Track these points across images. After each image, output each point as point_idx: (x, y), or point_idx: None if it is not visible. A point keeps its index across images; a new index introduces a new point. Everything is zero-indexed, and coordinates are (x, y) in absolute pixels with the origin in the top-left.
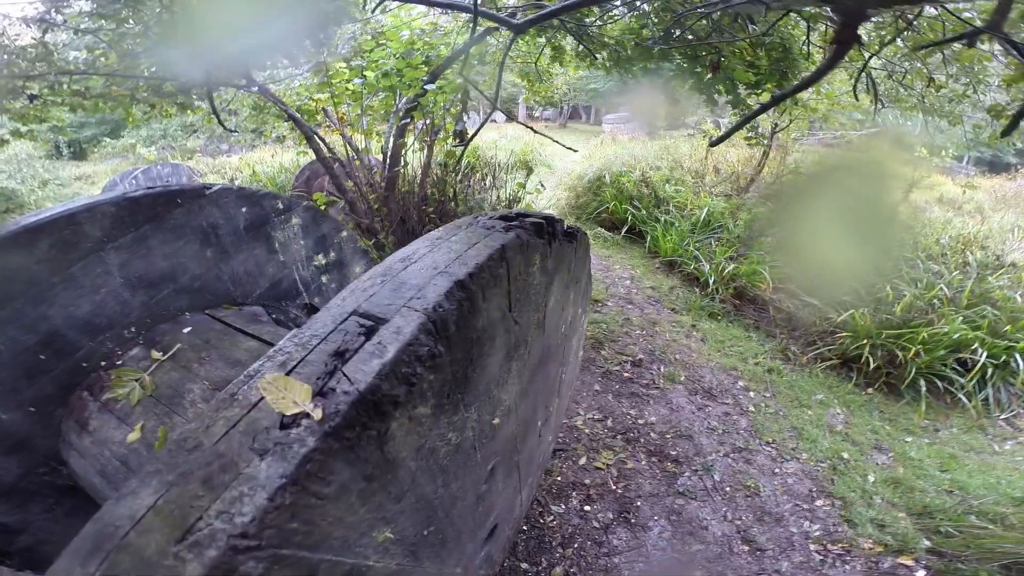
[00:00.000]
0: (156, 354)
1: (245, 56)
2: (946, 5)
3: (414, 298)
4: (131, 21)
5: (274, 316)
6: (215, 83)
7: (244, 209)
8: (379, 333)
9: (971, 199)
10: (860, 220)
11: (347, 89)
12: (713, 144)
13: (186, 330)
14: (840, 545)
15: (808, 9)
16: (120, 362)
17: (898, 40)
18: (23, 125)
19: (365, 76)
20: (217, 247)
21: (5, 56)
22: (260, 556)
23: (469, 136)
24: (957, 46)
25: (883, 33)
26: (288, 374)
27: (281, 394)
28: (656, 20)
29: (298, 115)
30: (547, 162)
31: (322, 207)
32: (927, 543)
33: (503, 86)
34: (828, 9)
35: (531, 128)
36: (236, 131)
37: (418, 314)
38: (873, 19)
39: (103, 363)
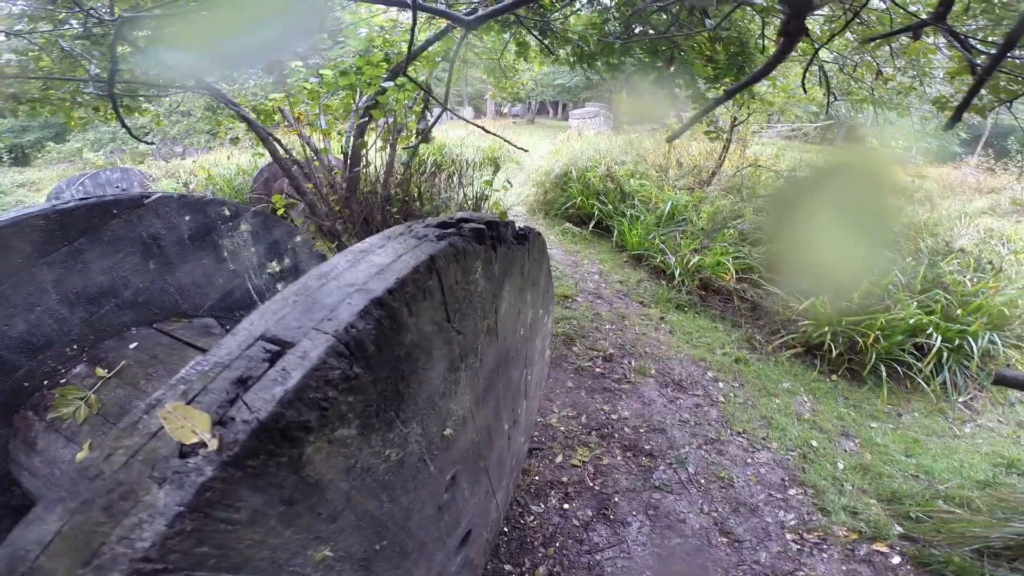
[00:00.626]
0: (101, 371)
1: (198, 60)
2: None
3: (325, 319)
4: (72, 22)
5: (227, 327)
6: (164, 84)
7: (187, 217)
8: (284, 358)
9: (920, 188)
10: (860, 225)
11: (304, 88)
12: (670, 139)
13: (132, 346)
14: (816, 534)
15: (760, 2)
16: (64, 380)
17: (847, 33)
18: None
19: (322, 75)
20: (160, 258)
21: None
22: None
23: (422, 134)
24: (904, 39)
25: (833, 26)
26: (189, 403)
27: (180, 423)
28: (617, 15)
29: (252, 116)
30: (515, 159)
31: (281, 210)
32: (899, 529)
33: (470, 83)
34: (778, 3)
35: (482, 128)
36: (153, 143)
37: (327, 336)
38: (822, 11)
39: (46, 382)
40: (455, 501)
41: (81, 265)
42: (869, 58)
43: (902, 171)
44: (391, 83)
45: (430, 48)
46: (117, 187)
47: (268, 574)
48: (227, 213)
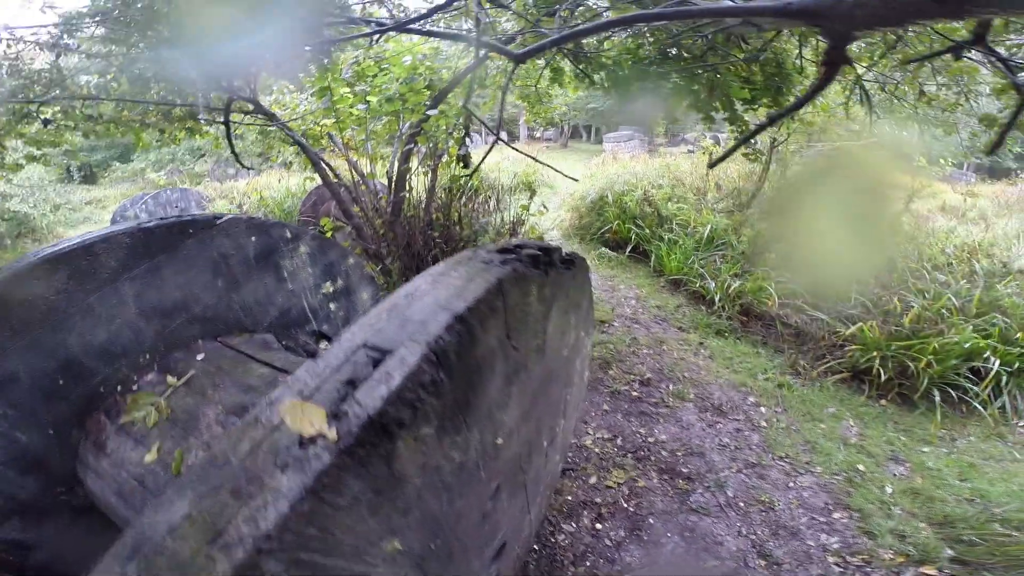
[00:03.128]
0: (171, 380)
1: (247, 75)
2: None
3: (417, 331)
4: (141, 45)
5: (284, 343)
6: (222, 108)
7: (254, 239)
8: (385, 363)
9: (974, 206)
10: (856, 228)
11: (351, 114)
12: (712, 165)
13: (199, 357)
14: (860, 557)
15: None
16: (136, 387)
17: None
18: (37, 149)
19: (369, 101)
20: (228, 276)
21: (20, 80)
22: (281, 558)
23: (476, 161)
24: (946, 58)
25: (873, 48)
26: (306, 400)
27: (299, 417)
28: (652, 40)
29: (304, 140)
30: (550, 183)
31: (329, 232)
32: (950, 552)
33: (504, 108)
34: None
35: (527, 155)
36: (248, 165)
37: (420, 346)
38: (862, 38)
39: (119, 388)
40: (496, 512)
41: (159, 280)
42: (910, 75)
43: (905, 175)
44: (434, 110)
45: (467, 76)
46: (177, 207)
47: (351, 559)
48: (288, 235)
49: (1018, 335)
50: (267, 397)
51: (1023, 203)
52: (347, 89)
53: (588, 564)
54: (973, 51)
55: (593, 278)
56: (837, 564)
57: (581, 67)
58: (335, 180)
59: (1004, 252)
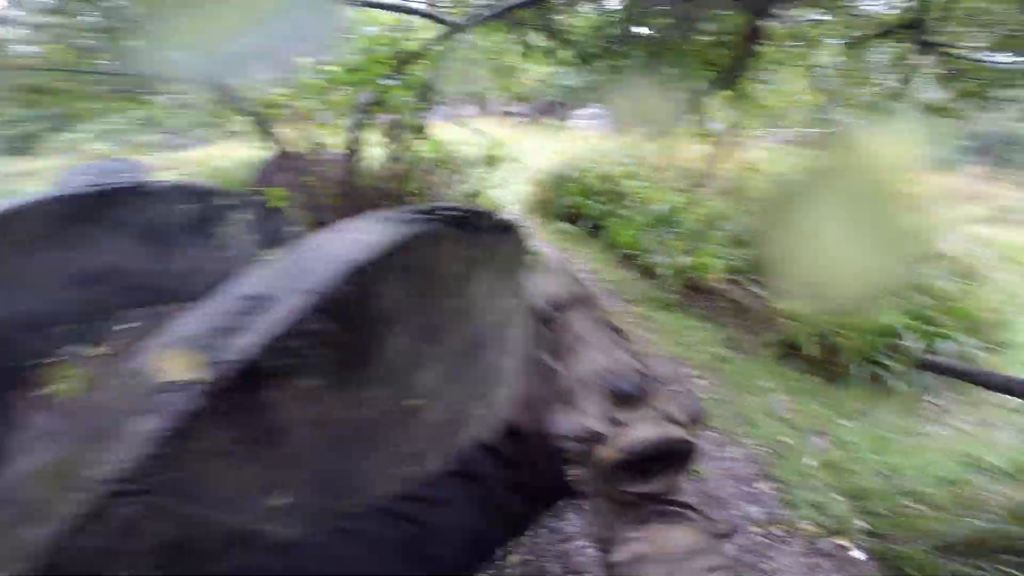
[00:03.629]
0: (96, 350)
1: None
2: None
3: (305, 281)
4: (85, 14)
5: None
6: (174, 78)
7: (188, 205)
8: (267, 312)
9: (913, 193)
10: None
11: (308, 84)
12: (654, 140)
13: (127, 326)
14: (781, 527)
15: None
16: (62, 358)
17: (832, 39)
18: None
19: (329, 71)
20: (160, 244)
21: None
22: (137, 502)
23: (432, 132)
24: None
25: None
26: (177, 347)
27: (169, 363)
28: (620, 17)
29: (259, 110)
30: (516, 157)
31: (281, 202)
32: (862, 524)
33: (474, 82)
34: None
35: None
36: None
37: (306, 294)
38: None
39: (45, 359)
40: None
41: (86, 248)
42: (854, 59)
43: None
44: (393, 81)
45: (432, 48)
46: (120, 177)
47: (225, 510)
48: (227, 202)
49: (938, 315)
50: (142, 343)
51: (961, 193)
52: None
53: (531, 533)
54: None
55: (551, 250)
56: (760, 533)
57: (551, 43)
58: (288, 150)
59: (935, 237)
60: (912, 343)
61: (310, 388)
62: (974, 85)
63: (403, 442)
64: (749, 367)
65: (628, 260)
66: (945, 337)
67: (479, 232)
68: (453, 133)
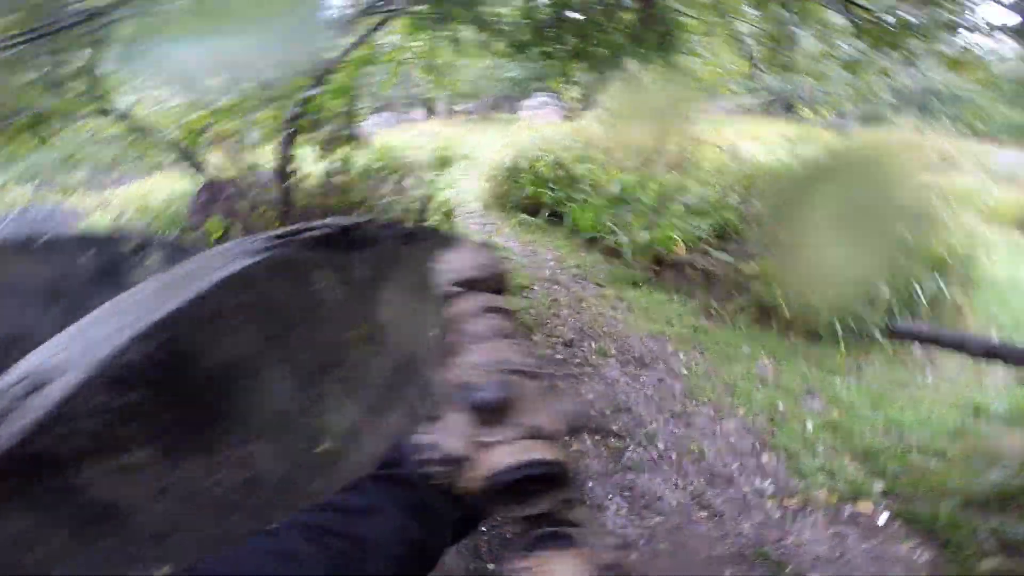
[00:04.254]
0: None
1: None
2: None
3: (93, 352)
4: None
5: None
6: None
7: (92, 252)
8: (43, 391)
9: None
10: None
11: (222, 105)
12: (568, 118)
13: None
14: (796, 499)
15: None
16: None
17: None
18: None
19: (243, 89)
20: (65, 299)
21: None
22: None
23: (349, 139)
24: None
25: None
26: None
27: None
28: (548, 3)
29: (176, 138)
30: (468, 155)
31: (218, 233)
32: (879, 486)
33: (415, 83)
34: None
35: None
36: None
37: (90, 367)
38: None
39: None
40: None
41: None
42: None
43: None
44: (317, 90)
45: (351, 55)
46: (45, 224)
47: None
48: (132, 245)
49: (902, 262)
50: None
51: (900, 146)
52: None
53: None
54: None
55: (514, 245)
56: (776, 508)
57: (481, 34)
58: (215, 177)
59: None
60: (886, 294)
61: (134, 462)
62: (887, 35)
63: (323, 488)
64: (727, 335)
65: (592, 243)
66: (916, 280)
67: (369, 247)
68: (400, 138)
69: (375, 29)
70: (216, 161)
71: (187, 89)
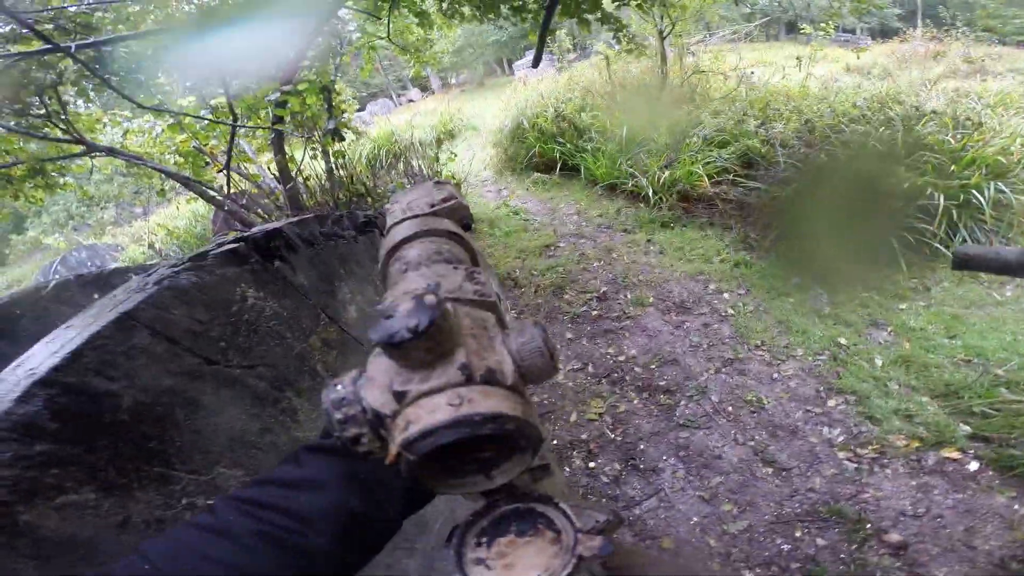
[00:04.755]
0: None
1: None
2: None
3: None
4: None
5: None
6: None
7: (95, 296)
8: None
9: (875, 63)
10: None
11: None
12: (535, 65)
13: None
14: (871, 448)
15: None
16: None
17: None
18: None
19: (211, 105)
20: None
21: None
22: None
23: (331, 133)
24: None
25: None
26: None
27: None
28: None
29: (167, 166)
30: (471, 124)
31: None
32: (966, 429)
33: (400, 64)
34: None
35: None
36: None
37: None
38: None
39: None
40: None
41: None
42: None
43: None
44: (280, 93)
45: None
46: (88, 266)
47: None
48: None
49: (952, 168)
50: None
51: (918, 55)
52: (191, 100)
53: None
54: None
55: (532, 203)
56: (849, 459)
57: (443, 3)
58: (220, 194)
59: (913, 98)
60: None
61: (77, 502)
62: None
63: None
64: (770, 266)
65: (612, 191)
66: (975, 187)
67: (312, 246)
68: (400, 121)
69: (327, 20)
70: (220, 178)
71: (161, 113)
